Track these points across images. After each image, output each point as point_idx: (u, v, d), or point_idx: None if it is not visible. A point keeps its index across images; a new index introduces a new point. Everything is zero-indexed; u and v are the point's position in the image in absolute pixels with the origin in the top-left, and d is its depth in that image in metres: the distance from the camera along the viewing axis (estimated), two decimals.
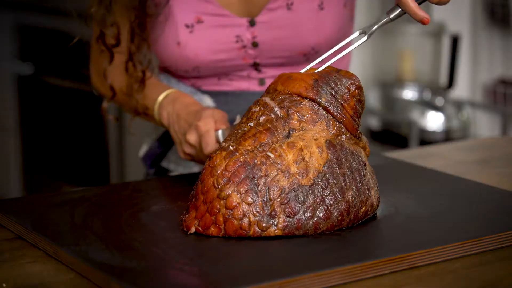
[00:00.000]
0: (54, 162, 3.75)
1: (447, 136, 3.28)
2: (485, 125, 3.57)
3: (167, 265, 1.05)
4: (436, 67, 3.43)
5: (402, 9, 1.24)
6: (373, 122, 3.40)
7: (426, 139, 3.25)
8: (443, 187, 1.40)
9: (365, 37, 1.25)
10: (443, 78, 3.39)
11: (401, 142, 3.27)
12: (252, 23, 1.48)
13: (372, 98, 3.43)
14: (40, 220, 1.21)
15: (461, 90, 3.54)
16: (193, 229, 1.14)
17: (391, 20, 1.25)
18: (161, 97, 1.44)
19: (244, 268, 1.04)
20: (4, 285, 1.02)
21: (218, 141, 1.32)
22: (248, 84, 1.54)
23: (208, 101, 1.52)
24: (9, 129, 3.90)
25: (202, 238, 1.13)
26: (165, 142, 1.58)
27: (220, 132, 1.32)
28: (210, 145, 1.32)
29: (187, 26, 1.48)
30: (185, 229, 1.15)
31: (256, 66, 1.52)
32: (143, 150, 1.64)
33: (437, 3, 1.22)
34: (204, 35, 1.48)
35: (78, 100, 3.55)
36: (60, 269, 1.08)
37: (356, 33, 1.27)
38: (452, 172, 1.51)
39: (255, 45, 1.49)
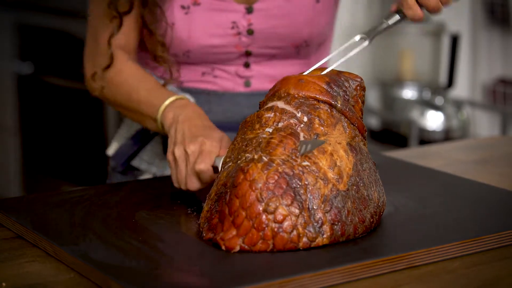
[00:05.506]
0: (53, 161, 3.75)
1: (447, 135, 3.28)
2: (485, 125, 3.57)
3: (167, 265, 1.05)
4: (436, 67, 3.43)
5: (400, 17, 1.27)
6: (373, 122, 3.40)
7: (425, 138, 3.25)
8: (443, 186, 1.40)
9: (366, 42, 1.26)
10: (443, 78, 3.39)
11: (400, 141, 3.27)
12: (249, 10, 1.48)
13: (372, 98, 3.43)
14: (39, 219, 1.21)
15: (461, 89, 3.54)
16: (237, 248, 1.09)
17: (390, 26, 1.28)
18: (172, 98, 1.40)
19: (244, 267, 1.04)
20: (3, 284, 1.02)
21: (215, 167, 1.27)
22: (233, 84, 1.52)
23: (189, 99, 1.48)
24: (8, 129, 3.90)
25: (202, 238, 1.13)
26: (139, 140, 1.56)
27: (222, 159, 1.24)
28: (203, 164, 1.27)
29: (183, 7, 1.46)
30: (224, 248, 1.09)
31: (246, 57, 1.51)
32: (113, 147, 1.61)
33: (435, 12, 1.27)
34: (199, 17, 1.47)
35: (78, 99, 3.55)
36: (60, 269, 1.08)
37: (357, 37, 1.27)
38: (452, 171, 1.51)
39: (250, 32, 1.48)
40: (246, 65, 1.52)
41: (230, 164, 1.16)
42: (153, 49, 1.47)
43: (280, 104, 1.18)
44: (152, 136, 1.56)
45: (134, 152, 1.56)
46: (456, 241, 1.11)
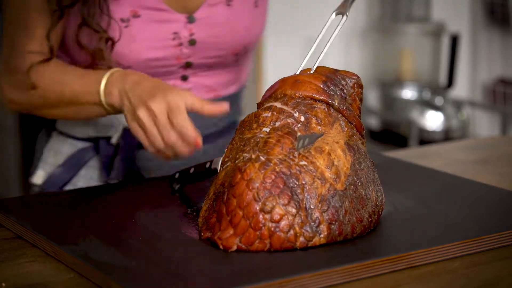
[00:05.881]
0: None
1: (447, 135, 3.29)
2: (485, 125, 3.58)
3: (167, 265, 1.05)
4: (436, 67, 3.44)
5: None
6: (373, 122, 3.40)
7: (425, 138, 3.25)
8: (443, 186, 1.40)
9: (345, 18, 1.25)
10: (443, 78, 3.39)
11: (400, 141, 3.27)
12: (190, 20, 1.44)
13: (372, 98, 3.43)
14: (39, 219, 1.21)
15: (461, 89, 3.55)
16: (234, 247, 1.09)
17: None
18: (107, 75, 1.32)
19: (243, 267, 1.04)
20: (3, 284, 1.02)
21: (214, 168, 1.26)
22: None
23: (124, 119, 1.40)
24: (8, 129, 3.90)
25: (201, 238, 1.13)
26: (71, 167, 1.51)
27: (221, 159, 1.23)
28: (179, 118, 1.22)
29: (122, 20, 1.40)
30: (221, 247, 1.09)
31: (185, 70, 1.47)
32: (39, 176, 1.54)
33: None
34: (140, 30, 1.41)
35: None
36: (60, 269, 1.08)
37: (333, 15, 1.26)
38: (452, 171, 1.51)
39: (192, 43, 1.45)
40: (184, 78, 1.48)
41: (228, 164, 1.16)
42: (92, 47, 1.39)
43: (278, 104, 1.18)
44: (85, 161, 1.52)
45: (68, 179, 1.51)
46: (456, 241, 1.11)
